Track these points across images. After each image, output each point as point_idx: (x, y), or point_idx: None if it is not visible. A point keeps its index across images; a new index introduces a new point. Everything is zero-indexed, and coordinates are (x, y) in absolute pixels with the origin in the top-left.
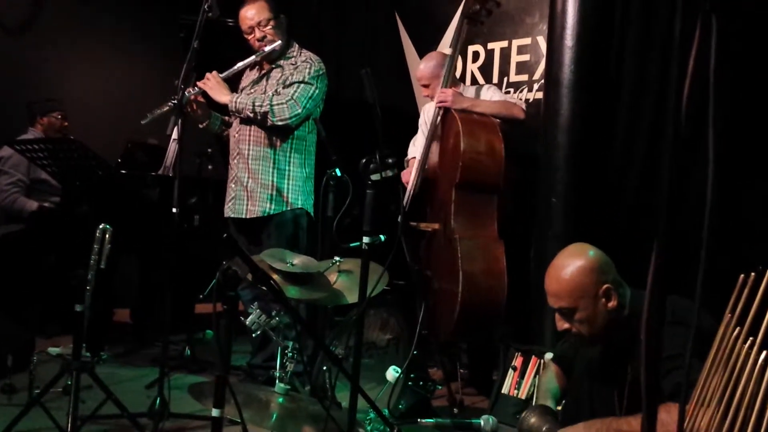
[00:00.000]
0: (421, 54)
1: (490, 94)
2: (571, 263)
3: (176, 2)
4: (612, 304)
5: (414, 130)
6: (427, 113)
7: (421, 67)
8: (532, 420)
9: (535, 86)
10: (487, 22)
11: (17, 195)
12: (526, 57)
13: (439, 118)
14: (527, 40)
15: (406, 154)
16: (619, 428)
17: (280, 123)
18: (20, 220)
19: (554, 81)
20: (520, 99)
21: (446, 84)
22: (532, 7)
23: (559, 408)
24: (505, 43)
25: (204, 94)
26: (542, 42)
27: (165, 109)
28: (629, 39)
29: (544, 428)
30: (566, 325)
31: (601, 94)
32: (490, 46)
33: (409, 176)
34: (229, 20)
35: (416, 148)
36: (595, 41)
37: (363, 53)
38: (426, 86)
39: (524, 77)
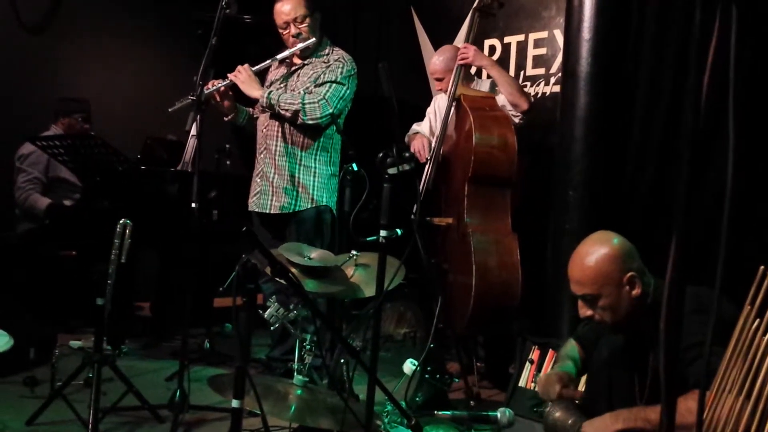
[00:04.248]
0: (437, 48)
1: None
2: (596, 250)
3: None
4: (636, 292)
5: None
6: (438, 103)
7: (434, 61)
8: (557, 414)
9: (552, 80)
10: (503, 16)
11: (31, 192)
12: (542, 50)
13: (452, 112)
14: (544, 34)
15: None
16: (647, 417)
17: (311, 122)
18: (35, 218)
19: (571, 74)
20: (535, 94)
21: (457, 81)
22: (548, 1)
23: (579, 373)
24: (521, 37)
25: (233, 86)
26: (559, 35)
27: (190, 99)
28: (647, 31)
29: (569, 422)
30: (589, 312)
31: (618, 87)
32: (506, 39)
33: (418, 145)
34: (247, 17)
35: (420, 127)
36: (612, 34)
37: (378, 47)
38: (440, 80)
39: (541, 71)
